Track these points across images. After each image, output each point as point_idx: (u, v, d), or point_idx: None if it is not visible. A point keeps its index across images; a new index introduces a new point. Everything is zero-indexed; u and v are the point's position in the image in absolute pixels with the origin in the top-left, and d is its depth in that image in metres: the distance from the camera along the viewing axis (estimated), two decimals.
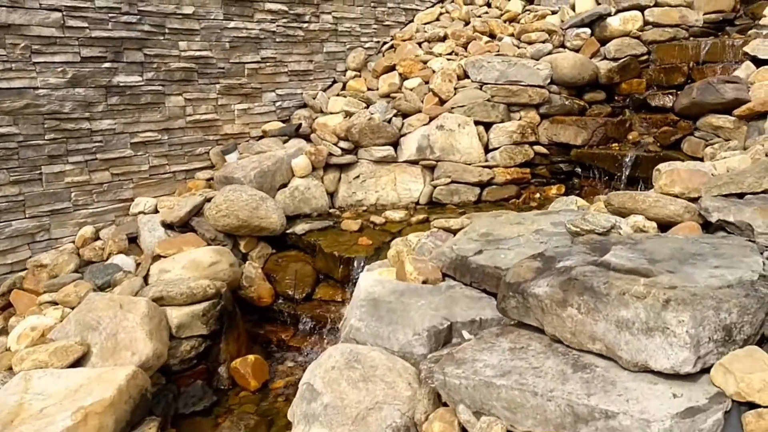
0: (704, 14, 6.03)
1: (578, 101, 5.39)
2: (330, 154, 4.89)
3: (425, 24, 6.77)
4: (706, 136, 4.40)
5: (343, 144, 4.95)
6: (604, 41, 5.72)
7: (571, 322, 2.07)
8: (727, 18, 6.13)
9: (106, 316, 3.13)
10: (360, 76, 6.03)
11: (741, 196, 2.92)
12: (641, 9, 5.81)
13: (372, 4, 6.29)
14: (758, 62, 4.72)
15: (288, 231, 4.39)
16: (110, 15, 4.32)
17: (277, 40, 5.45)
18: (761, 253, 2.37)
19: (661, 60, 5.62)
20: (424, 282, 2.92)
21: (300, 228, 4.39)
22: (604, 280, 2.09)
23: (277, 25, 5.42)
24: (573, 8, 6.00)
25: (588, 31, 5.65)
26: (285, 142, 5.17)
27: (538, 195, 5.10)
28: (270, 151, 4.92)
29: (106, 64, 4.35)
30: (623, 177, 4.76)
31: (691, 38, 5.95)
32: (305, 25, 5.66)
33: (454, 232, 3.49)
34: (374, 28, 6.35)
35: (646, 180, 4.71)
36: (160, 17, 4.61)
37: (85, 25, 4.20)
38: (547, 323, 2.17)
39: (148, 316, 3.20)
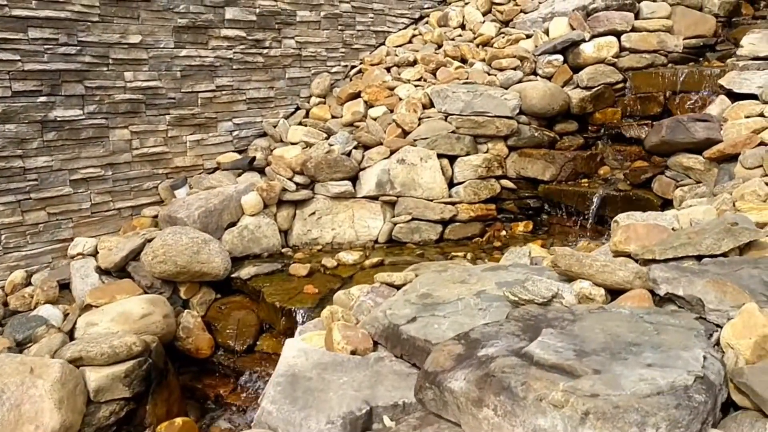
0: (684, 39, 5.82)
1: (548, 133, 5.17)
2: (284, 190, 4.66)
3: (397, 47, 6.56)
4: (677, 177, 4.18)
5: (298, 178, 4.73)
6: (577, 68, 5.51)
7: (488, 425, 1.86)
8: (708, 43, 5.92)
9: (13, 382, 2.90)
10: (324, 103, 5.82)
11: (700, 258, 2.69)
12: (617, 34, 5.60)
13: (340, 27, 6.09)
14: (734, 96, 4.51)
15: (233, 275, 4.16)
16: (46, 47, 4.10)
17: (235, 67, 5.24)
18: (709, 336, 2.14)
19: (637, 88, 5.41)
20: (353, 352, 2.69)
21: (246, 272, 4.16)
22: (523, 379, 1.86)
23: (234, 52, 5.21)
24: (547, 33, 5.79)
25: (560, 58, 5.43)
26: (239, 175, 4.94)
27: (504, 233, 4.87)
28: (220, 186, 4.69)
29: (42, 99, 4.13)
30: (591, 216, 4.53)
31: (670, 65, 5.75)
32: (265, 50, 5.44)
33: (398, 287, 3.26)
34: (342, 52, 6.14)
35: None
36: (103, 47, 4.40)
37: (17, 57, 3.98)
38: (464, 423, 1.95)
39: (60, 381, 2.97)
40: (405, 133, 5.04)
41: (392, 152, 4.89)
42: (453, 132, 5.01)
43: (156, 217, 4.59)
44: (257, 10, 5.33)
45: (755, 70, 4.57)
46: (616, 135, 5.35)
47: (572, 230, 4.73)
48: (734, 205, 3.29)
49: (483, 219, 4.85)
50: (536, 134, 5.13)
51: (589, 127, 5.46)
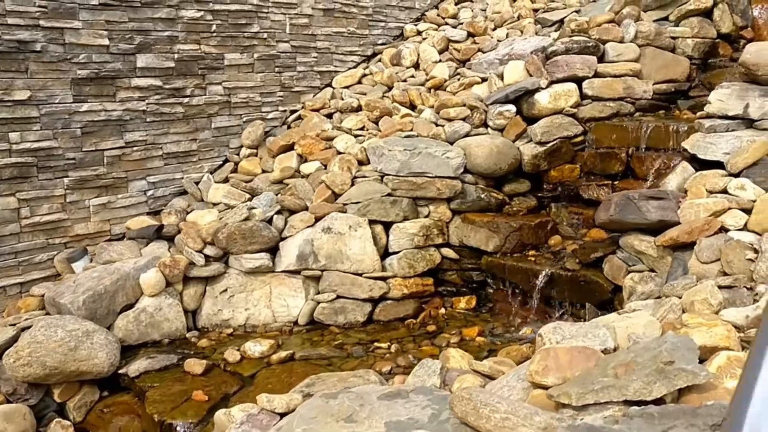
0: (654, 84, 5.34)
1: (496, 194, 4.69)
2: (192, 264, 4.17)
3: (345, 88, 6.09)
4: (629, 260, 3.68)
5: (209, 250, 4.24)
6: (533, 119, 5.02)
7: None
8: (681, 89, 5.45)
9: None
10: (256, 155, 5.35)
11: (628, 403, 2.18)
12: (578, 81, 5.12)
13: (277, 69, 5.61)
14: (698, 162, 4.01)
15: (121, 371, 3.66)
16: None
17: (149, 119, 4.76)
18: None
19: (599, 142, 4.93)
20: None
21: (136, 367, 3.67)
22: None
23: (149, 103, 4.74)
24: (501, 78, 5.31)
25: (513, 108, 4.95)
26: (147, 244, 4.45)
27: (442, 310, 4.38)
28: (121, 260, 4.20)
29: None
30: (536, 297, 4.03)
31: (638, 113, 5.27)
32: (186, 99, 4.97)
33: (282, 415, 2.76)
34: (280, 96, 5.67)
35: (562, 303, 4.00)
36: None
37: None
38: None
39: None
40: (335, 196, 4.56)
41: (318, 219, 4.40)
42: (389, 194, 4.52)
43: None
44: (176, 56, 4.86)
45: (723, 132, 4.08)
46: (573, 195, 4.86)
47: (517, 310, 4.23)
48: (683, 313, 2.80)
49: (419, 296, 4.36)
50: (483, 196, 4.64)
51: (545, 185, 4.97)
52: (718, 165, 3.93)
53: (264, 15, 5.46)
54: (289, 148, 5.18)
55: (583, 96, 5.16)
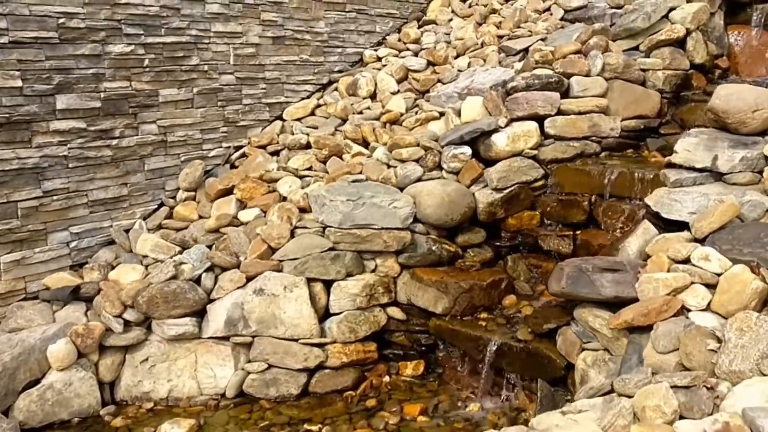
0: (623, 120, 5.00)
1: (449, 246, 4.33)
2: (109, 330, 3.79)
3: (296, 120, 5.72)
4: (583, 335, 3.34)
5: (130, 314, 3.87)
6: (490, 162, 4.66)
7: None
8: (650, 125, 5.11)
9: None
10: (194, 198, 4.98)
11: None
12: (540, 119, 4.77)
13: (220, 103, 5.23)
14: (662, 221, 3.67)
15: None
16: None
17: (71, 165, 4.38)
18: None
19: (561, 186, 4.59)
20: None
21: None
22: None
23: (71, 148, 4.35)
24: (459, 114, 4.95)
25: (468, 151, 4.59)
26: (63, 306, 4.06)
27: (387, 378, 4.02)
28: (30, 326, 3.82)
29: None
30: (486, 368, 3.68)
31: (604, 153, 4.95)
32: (115, 141, 4.59)
33: None
34: (223, 132, 5.29)
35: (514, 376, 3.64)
36: None
37: None
38: None
39: None
40: (272, 251, 4.18)
41: (249, 279, 4.03)
42: (331, 248, 4.16)
43: None
44: (102, 95, 4.48)
45: (689, 188, 3.75)
46: (533, 245, 4.52)
47: (467, 380, 3.88)
48: (634, 417, 2.46)
49: (360, 363, 3.99)
50: (434, 248, 4.28)
51: (502, 234, 4.61)
52: (682, 226, 3.59)
53: (204, 46, 5.08)
54: (228, 191, 4.81)
55: (545, 135, 4.81)
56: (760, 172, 3.69)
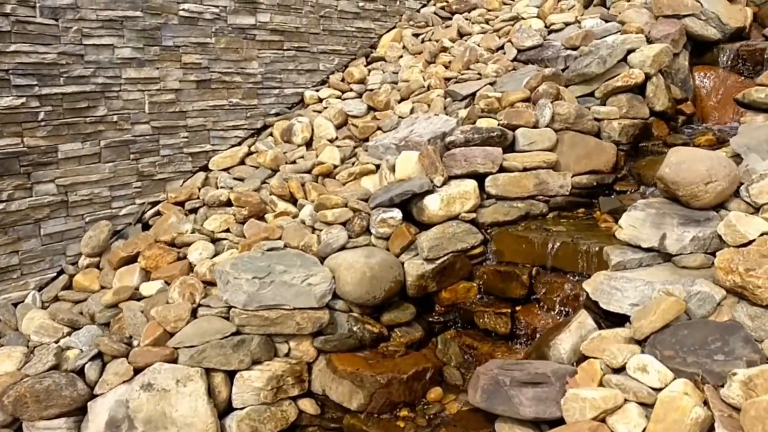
0: (574, 176, 4.58)
1: (372, 326, 3.87)
2: None
3: (223, 170, 5.26)
4: None
5: None
6: (423, 226, 4.21)
7: None
8: (604, 182, 4.68)
9: None
10: (98, 265, 4.49)
11: None
12: (480, 177, 4.33)
13: (133, 156, 4.77)
14: (602, 313, 3.22)
15: None
16: None
17: None
18: None
19: (501, 255, 4.15)
20: None
21: None
22: None
23: None
24: (393, 170, 4.49)
25: (398, 215, 4.14)
26: None
27: None
28: None
29: None
30: None
31: (552, 213, 4.54)
32: (2, 205, 4.11)
33: None
34: (137, 188, 4.82)
35: None
36: None
37: None
38: None
39: None
40: (169, 335, 3.69)
41: (138, 370, 3.54)
42: (236, 333, 3.68)
43: None
44: None
45: (633, 271, 3.30)
46: (470, 320, 4.06)
47: None
48: None
49: None
50: (355, 329, 3.82)
51: (436, 307, 4.15)
52: (623, 320, 3.14)
53: (114, 95, 4.62)
54: (133, 259, 4.32)
55: (486, 195, 4.37)
56: (714, 254, 3.25)
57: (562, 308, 3.73)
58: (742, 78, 5.35)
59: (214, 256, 4.28)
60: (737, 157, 3.78)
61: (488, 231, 4.28)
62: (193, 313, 3.82)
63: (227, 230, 4.50)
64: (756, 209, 3.32)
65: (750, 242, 3.07)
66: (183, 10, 4.95)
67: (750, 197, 3.31)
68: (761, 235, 3.08)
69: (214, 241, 4.46)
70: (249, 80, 5.51)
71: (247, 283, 3.68)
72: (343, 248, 4.10)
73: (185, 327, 3.71)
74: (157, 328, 3.70)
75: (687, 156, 3.43)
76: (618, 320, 3.20)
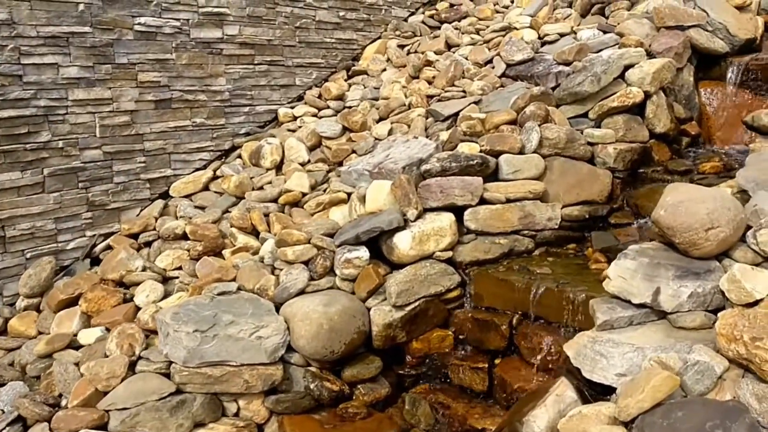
0: (564, 207, 4.16)
1: (331, 383, 3.46)
2: None
3: (184, 197, 4.87)
4: None
5: None
6: (395, 266, 3.80)
7: None
8: (597, 214, 4.25)
9: None
10: (39, 308, 4.10)
11: None
12: (458, 210, 3.91)
13: (82, 184, 4.40)
14: (585, 381, 2.80)
15: None
16: None
17: None
18: None
19: (480, 299, 3.75)
20: None
21: None
22: None
23: None
24: (363, 201, 4.09)
25: (364, 255, 3.73)
26: None
27: None
28: None
29: None
30: None
31: (539, 249, 4.13)
32: None
33: None
34: (87, 219, 4.45)
35: None
36: None
37: None
38: None
39: None
40: (102, 394, 3.30)
41: None
42: (177, 392, 3.28)
43: None
44: None
45: (622, 330, 2.88)
46: (444, 374, 3.65)
47: None
48: None
49: None
50: (312, 386, 3.42)
51: (407, 359, 3.74)
52: (607, 392, 2.72)
53: (59, 118, 4.25)
54: (75, 301, 3.94)
55: (466, 229, 3.96)
56: (716, 311, 2.82)
57: (545, 365, 3.31)
58: (752, 95, 4.90)
59: (164, 298, 3.89)
60: (744, 194, 3.34)
61: (466, 271, 3.87)
62: (132, 368, 3.43)
63: (180, 268, 4.11)
64: (765, 259, 2.89)
65: (757, 302, 2.64)
66: (139, 24, 4.57)
67: (758, 245, 2.88)
68: None
69: (166, 280, 4.08)
70: (215, 98, 5.12)
71: (187, 337, 3.28)
72: (302, 292, 3.70)
73: (119, 385, 3.31)
74: (88, 387, 3.32)
75: (685, 196, 3.00)
76: (604, 389, 2.77)
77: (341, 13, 6.04)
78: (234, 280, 3.85)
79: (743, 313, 2.59)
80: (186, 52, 4.90)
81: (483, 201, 4.00)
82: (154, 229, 4.53)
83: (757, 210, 3.07)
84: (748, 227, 3.00)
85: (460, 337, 3.72)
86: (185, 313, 3.43)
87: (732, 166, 4.16)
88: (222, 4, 5.07)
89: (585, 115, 4.59)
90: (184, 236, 4.36)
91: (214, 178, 5.03)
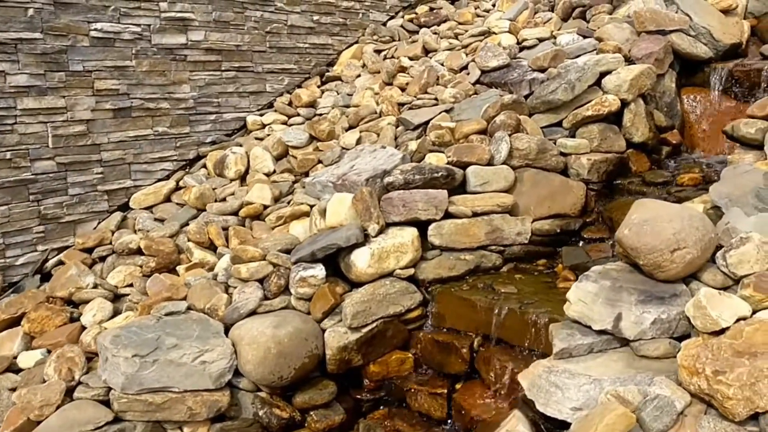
0: (534, 221, 3.98)
1: (282, 409, 3.29)
2: None
3: (145, 209, 4.70)
4: None
5: None
6: (355, 284, 3.63)
7: None
8: (569, 228, 4.06)
9: None
10: None
11: None
12: (422, 224, 3.73)
13: (33, 197, 4.24)
14: (540, 414, 2.62)
15: None
16: None
17: None
18: None
19: (442, 319, 3.56)
20: None
21: None
22: None
23: None
24: (324, 215, 3.91)
25: (320, 273, 3.55)
26: None
27: None
28: None
29: None
30: None
31: (508, 266, 3.95)
32: None
33: None
34: (39, 233, 4.29)
35: None
36: None
37: None
38: None
39: None
40: (34, 424, 3.12)
41: None
42: (115, 420, 3.10)
43: None
44: None
45: (581, 360, 2.69)
46: (403, 399, 3.47)
47: None
48: None
49: None
50: (261, 413, 3.24)
51: (365, 382, 3.56)
52: (568, 425, 2.54)
53: (7, 128, 4.09)
54: (17, 320, 3.77)
55: (430, 245, 3.77)
56: (682, 339, 2.64)
57: (506, 392, 3.13)
58: (737, 102, 4.71)
59: (112, 317, 3.71)
60: (717, 210, 3.16)
61: (429, 289, 3.69)
62: (70, 394, 3.25)
63: (129, 285, 3.93)
64: (735, 281, 2.70)
65: (723, 330, 2.46)
66: (95, 30, 4.40)
67: (728, 267, 2.69)
68: (738, 320, 2.46)
69: (118, 298, 3.91)
70: (179, 106, 4.95)
71: (126, 363, 3.11)
72: (253, 313, 3.52)
73: (54, 413, 3.13)
74: (20, 416, 3.14)
75: (652, 213, 2.81)
76: (561, 424, 2.59)
77: (315, 17, 5.86)
78: (185, 298, 3.68)
79: (707, 343, 2.42)
80: (147, 58, 4.73)
81: (448, 215, 3.82)
82: (110, 243, 4.35)
83: (729, 229, 2.89)
84: (720, 247, 2.82)
85: (421, 360, 3.54)
86: (126, 336, 3.25)
87: (711, 178, 3.98)
88: (186, 9, 4.90)
89: (559, 124, 4.42)
90: (139, 251, 4.18)
91: (177, 188, 4.86)
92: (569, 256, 3.84)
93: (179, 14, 4.85)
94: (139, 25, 4.66)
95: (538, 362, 2.72)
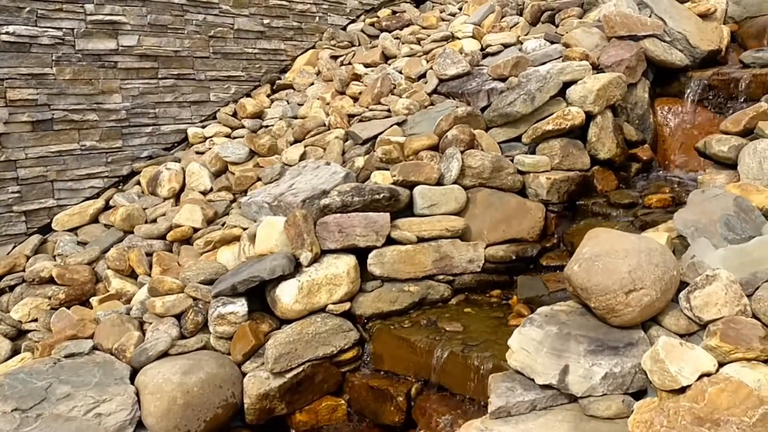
0: (488, 247, 3.60)
1: None
2: None
3: (68, 231, 4.31)
4: None
5: None
6: (284, 321, 3.25)
7: None
8: (527, 254, 3.70)
9: None
10: None
11: None
12: (362, 251, 3.36)
13: None
14: None
15: None
16: None
17: None
18: None
19: (380, 360, 3.19)
20: None
21: None
22: None
23: None
24: (254, 240, 3.52)
25: (241, 309, 3.18)
26: None
27: None
28: None
29: None
30: None
31: (457, 297, 3.57)
32: None
33: None
34: None
35: None
36: None
37: None
38: None
39: None
40: None
41: None
42: None
43: None
44: None
45: (520, 419, 2.33)
46: None
47: None
48: None
49: None
50: None
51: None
52: None
53: None
54: None
55: (370, 275, 3.40)
56: (638, 395, 2.29)
57: None
58: (714, 115, 4.38)
59: (9, 359, 3.31)
60: (683, 240, 2.81)
61: (367, 326, 3.31)
62: None
63: (34, 320, 3.54)
64: (701, 326, 2.35)
65: (684, 389, 2.10)
66: (6, 33, 4.02)
67: (692, 310, 2.35)
68: (701, 377, 2.10)
69: (22, 334, 3.50)
70: (109, 118, 4.56)
71: (3, 419, 2.71)
72: (165, 354, 3.13)
73: None
74: None
75: (605, 247, 2.46)
76: None
77: (266, 21, 5.50)
78: (92, 336, 3.29)
79: (662, 406, 2.06)
80: (70, 65, 4.34)
81: (391, 241, 3.46)
82: (23, 269, 3.95)
83: (696, 263, 2.54)
84: (685, 284, 2.46)
85: (354, 407, 3.16)
86: (10, 384, 2.86)
87: (682, 199, 3.63)
88: (116, 12, 4.52)
89: (518, 139, 4.07)
90: (52, 280, 3.78)
91: (107, 208, 4.47)
92: (524, 287, 3.48)
93: (108, 17, 4.48)
94: (60, 29, 4.27)
95: (471, 423, 2.35)
